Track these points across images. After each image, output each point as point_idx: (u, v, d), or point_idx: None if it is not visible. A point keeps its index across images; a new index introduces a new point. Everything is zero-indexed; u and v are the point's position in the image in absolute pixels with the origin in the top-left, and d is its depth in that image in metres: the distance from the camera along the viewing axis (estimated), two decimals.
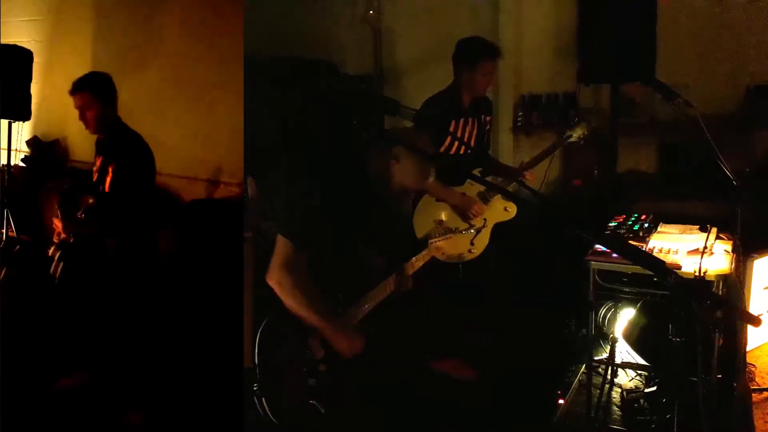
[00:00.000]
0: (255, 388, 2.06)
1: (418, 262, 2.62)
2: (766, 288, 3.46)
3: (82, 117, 3.18)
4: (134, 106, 3.30)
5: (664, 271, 1.26)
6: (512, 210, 3.44)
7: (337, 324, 2.23)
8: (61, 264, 3.09)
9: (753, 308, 3.37)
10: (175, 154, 3.22)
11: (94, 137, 3.26)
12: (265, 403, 2.06)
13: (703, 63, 4.33)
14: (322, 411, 2.16)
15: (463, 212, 3.34)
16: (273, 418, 2.07)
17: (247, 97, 3.29)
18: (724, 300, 1.69)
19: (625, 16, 3.81)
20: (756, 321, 1.29)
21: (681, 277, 1.28)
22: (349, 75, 4.61)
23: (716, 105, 4.18)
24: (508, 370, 3.25)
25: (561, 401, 3.02)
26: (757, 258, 3.35)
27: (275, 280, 2.14)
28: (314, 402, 2.17)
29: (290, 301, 2.14)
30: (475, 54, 3.36)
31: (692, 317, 1.67)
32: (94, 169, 3.30)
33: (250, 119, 3.14)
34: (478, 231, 3.30)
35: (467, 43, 3.44)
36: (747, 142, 3.99)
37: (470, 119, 3.48)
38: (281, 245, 2.14)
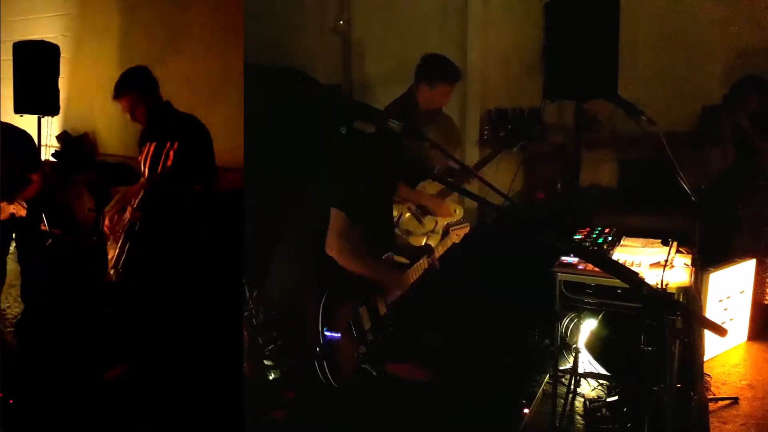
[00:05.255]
0: (318, 351, 2.29)
1: (443, 247, 2.93)
2: (720, 301, 3.59)
3: (132, 116, 3.16)
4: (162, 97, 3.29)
5: (638, 282, 1.30)
6: (460, 212, 3.52)
7: (393, 273, 2.55)
8: (127, 245, 3.03)
9: None
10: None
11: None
12: (325, 366, 2.31)
13: (662, 83, 4.47)
14: (374, 374, 2.44)
15: (430, 211, 3.40)
16: (332, 381, 2.32)
17: (247, 98, 3.35)
18: (695, 312, 1.75)
19: (588, 34, 3.92)
20: (722, 331, 1.34)
21: (654, 289, 1.32)
22: (318, 84, 4.62)
23: (674, 123, 4.33)
24: (471, 380, 3.28)
25: (526, 411, 3.06)
26: (713, 271, 3.47)
27: (336, 249, 2.38)
28: (366, 366, 2.44)
29: (351, 264, 2.39)
30: (437, 76, 3.46)
31: (664, 328, 1.74)
32: (141, 158, 3.22)
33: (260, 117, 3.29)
34: (431, 232, 3.40)
35: (432, 61, 3.51)
36: (702, 160, 4.14)
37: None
38: (335, 218, 2.38)
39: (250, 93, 3.30)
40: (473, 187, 3.59)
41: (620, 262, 2.88)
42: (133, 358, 3.17)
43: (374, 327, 2.49)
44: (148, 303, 3.02)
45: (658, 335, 2.37)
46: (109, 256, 3.18)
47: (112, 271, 3.07)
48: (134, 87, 3.15)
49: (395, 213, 3.33)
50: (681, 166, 3.06)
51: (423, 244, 3.40)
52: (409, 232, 3.34)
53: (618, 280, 2.64)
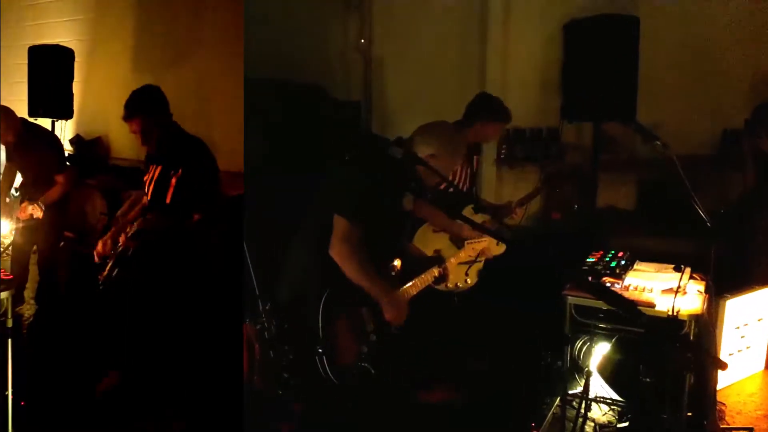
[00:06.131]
0: (319, 349, 2.37)
1: (456, 259, 2.94)
2: (737, 328, 3.53)
3: (143, 139, 3.08)
4: (174, 103, 3.26)
5: (636, 312, 1.30)
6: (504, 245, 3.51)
7: (387, 293, 2.54)
8: (116, 271, 3.05)
9: (725, 348, 3.43)
10: (217, 148, 3.20)
11: (134, 135, 3.12)
12: (325, 362, 2.37)
13: (683, 105, 4.45)
14: (373, 372, 2.48)
15: (461, 240, 3.40)
16: (332, 376, 2.39)
17: (247, 110, 3.40)
18: (693, 343, 1.73)
19: (608, 56, 3.92)
20: (722, 365, 1.33)
21: (652, 319, 1.32)
22: (339, 101, 4.68)
23: (694, 146, 4.30)
24: (480, 398, 3.28)
25: None
26: (729, 298, 3.41)
27: (336, 251, 2.43)
28: (366, 365, 2.49)
29: (349, 269, 2.44)
30: (494, 115, 3.55)
31: (661, 357, 1.71)
32: (147, 178, 3.19)
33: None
34: (473, 262, 3.36)
35: (489, 100, 3.61)
36: (722, 184, 4.10)
37: (466, 161, 3.61)
38: (338, 223, 2.44)
39: (252, 106, 3.34)
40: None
41: (632, 287, 2.87)
42: (127, 369, 3.18)
43: (377, 328, 2.55)
44: (135, 326, 3.04)
45: (658, 363, 2.35)
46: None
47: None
48: (146, 110, 3.07)
49: (436, 246, 3.36)
50: (700, 190, 3.04)
51: (465, 273, 3.39)
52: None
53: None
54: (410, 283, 2.68)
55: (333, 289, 2.45)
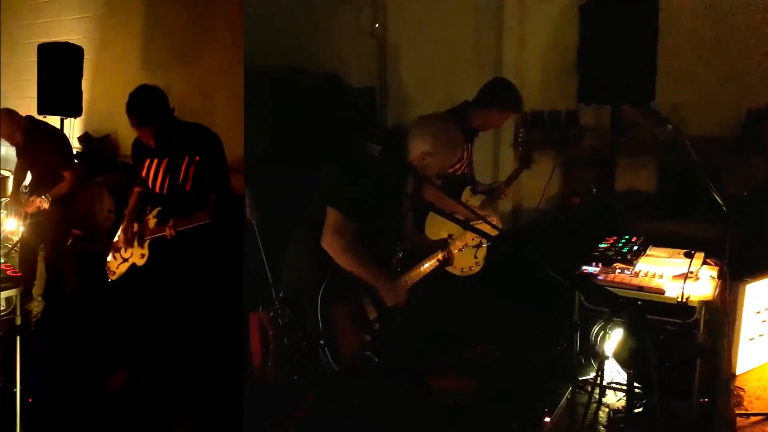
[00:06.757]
0: (320, 341, 2.42)
1: (461, 241, 2.92)
2: (758, 312, 3.46)
3: (154, 142, 3.03)
4: (183, 99, 3.26)
5: (620, 306, 1.31)
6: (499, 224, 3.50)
7: (385, 279, 2.55)
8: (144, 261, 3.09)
9: (745, 333, 3.37)
10: (225, 146, 3.17)
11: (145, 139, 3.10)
12: (327, 352, 2.41)
13: (706, 85, 4.33)
14: (376, 360, 2.51)
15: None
16: (334, 365, 2.42)
17: (247, 104, 3.41)
18: (684, 334, 1.70)
19: (625, 37, 3.82)
20: (706, 355, 1.32)
21: (636, 313, 1.32)
22: (353, 87, 4.68)
23: (717, 127, 4.20)
24: (497, 385, 3.29)
25: (547, 419, 3.05)
26: (749, 282, 3.34)
27: (327, 243, 2.46)
28: (369, 353, 2.51)
29: (342, 260, 2.46)
30: (506, 103, 3.48)
31: (646, 350, 1.70)
32: (147, 173, 3.13)
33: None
34: (479, 245, 3.36)
35: (504, 87, 3.54)
36: (746, 166, 3.99)
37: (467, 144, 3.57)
38: (331, 215, 2.46)
39: (252, 94, 3.34)
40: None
41: (643, 273, 2.84)
42: (134, 368, 3.22)
43: (380, 317, 2.56)
44: (157, 312, 3.08)
45: (674, 352, 2.32)
46: (117, 263, 3.25)
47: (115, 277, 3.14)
48: (154, 116, 2.98)
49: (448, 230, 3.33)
50: (720, 173, 2.98)
51: (474, 256, 3.42)
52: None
53: (639, 292, 2.64)
54: (413, 271, 2.69)
55: (330, 281, 2.46)
